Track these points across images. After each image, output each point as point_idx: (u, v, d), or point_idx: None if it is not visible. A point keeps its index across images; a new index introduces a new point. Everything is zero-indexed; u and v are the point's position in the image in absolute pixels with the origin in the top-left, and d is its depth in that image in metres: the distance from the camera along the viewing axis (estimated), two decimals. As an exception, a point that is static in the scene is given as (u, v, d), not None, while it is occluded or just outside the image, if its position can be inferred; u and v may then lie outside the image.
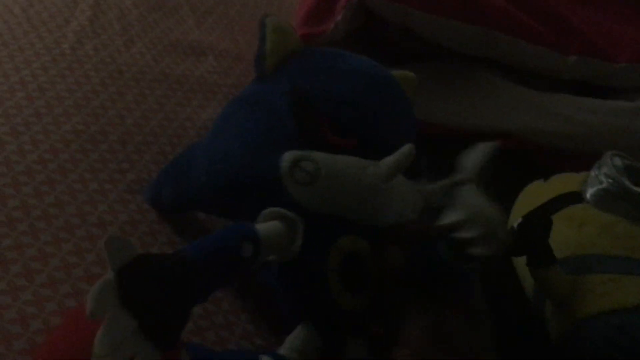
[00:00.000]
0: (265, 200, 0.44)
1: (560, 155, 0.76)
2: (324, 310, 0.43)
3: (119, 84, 0.62)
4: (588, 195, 0.55)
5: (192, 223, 0.53)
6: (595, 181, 0.56)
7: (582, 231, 0.53)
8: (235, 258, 0.39)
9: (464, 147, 0.74)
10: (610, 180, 0.54)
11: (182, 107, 0.63)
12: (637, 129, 0.75)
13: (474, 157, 0.52)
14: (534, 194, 0.63)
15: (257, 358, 0.40)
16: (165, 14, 0.76)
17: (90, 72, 0.61)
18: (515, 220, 0.57)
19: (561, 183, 0.60)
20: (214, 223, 0.52)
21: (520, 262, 0.56)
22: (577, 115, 0.76)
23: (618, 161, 0.55)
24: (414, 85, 0.55)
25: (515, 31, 0.78)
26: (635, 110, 0.78)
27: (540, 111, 0.76)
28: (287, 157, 0.43)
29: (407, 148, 0.44)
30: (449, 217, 0.50)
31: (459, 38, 0.76)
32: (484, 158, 0.52)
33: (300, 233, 0.43)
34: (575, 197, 0.56)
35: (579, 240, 0.53)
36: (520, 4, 0.78)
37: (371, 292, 0.46)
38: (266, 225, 0.42)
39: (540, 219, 0.53)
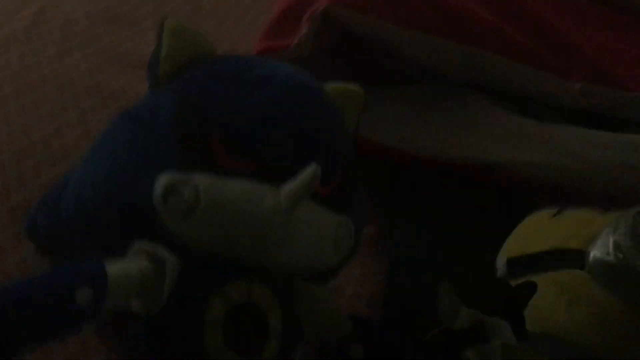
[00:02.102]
0: (141, 234, 0.36)
1: (559, 192, 0.66)
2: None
3: (38, 93, 0.55)
4: (590, 260, 0.43)
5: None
6: (603, 247, 0.43)
7: (572, 312, 0.42)
8: (65, 307, 0.30)
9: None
10: (620, 256, 0.42)
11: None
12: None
13: None
14: (535, 228, 0.51)
15: None
16: (121, 27, 0.70)
17: (5, 80, 0.55)
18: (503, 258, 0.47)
19: (571, 227, 0.48)
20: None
21: None
22: (579, 149, 0.65)
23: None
24: (360, 102, 0.46)
25: (509, 52, 0.68)
26: (647, 145, 0.67)
27: (535, 143, 0.65)
28: (161, 181, 0.34)
29: (309, 171, 0.35)
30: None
31: (443, 58, 0.67)
32: None
33: (171, 276, 0.34)
34: (575, 258, 0.44)
35: (565, 320, 0.42)
36: (515, 22, 0.68)
37: (272, 351, 0.37)
38: (121, 266, 0.33)
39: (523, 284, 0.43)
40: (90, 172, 0.37)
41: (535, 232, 0.49)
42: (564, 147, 0.68)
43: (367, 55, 0.73)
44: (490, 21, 0.69)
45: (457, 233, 0.59)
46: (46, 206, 0.41)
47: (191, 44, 0.40)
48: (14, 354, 0.29)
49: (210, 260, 0.35)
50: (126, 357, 0.37)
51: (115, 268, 0.33)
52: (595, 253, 0.43)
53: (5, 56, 0.58)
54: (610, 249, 0.42)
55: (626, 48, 0.73)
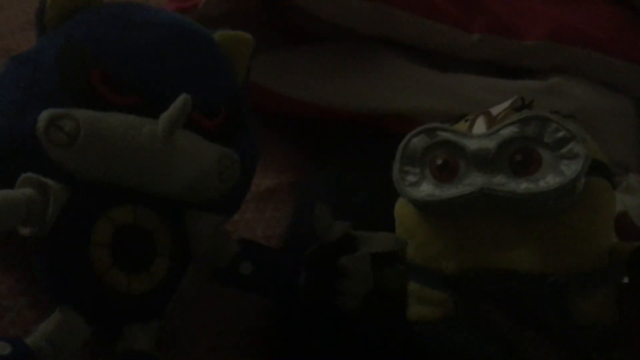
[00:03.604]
0: (29, 166, 0.38)
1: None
2: (87, 292, 0.37)
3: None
4: None
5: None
6: None
7: (399, 232, 0.46)
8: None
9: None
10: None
11: None
12: (543, 108, 0.69)
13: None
14: None
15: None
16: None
17: None
18: None
19: None
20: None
21: None
22: (476, 95, 0.69)
23: (417, 142, 0.45)
24: (248, 47, 0.49)
25: (413, 7, 0.72)
26: (543, 90, 0.71)
27: (437, 91, 0.69)
28: (43, 115, 0.37)
29: (180, 100, 0.38)
30: None
31: (353, 15, 0.70)
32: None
33: (55, 202, 0.37)
34: None
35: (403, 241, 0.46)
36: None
37: (159, 269, 0.40)
38: (6, 193, 0.36)
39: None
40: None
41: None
42: (463, 95, 0.72)
43: (281, 15, 0.76)
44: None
45: (360, 178, 0.63)
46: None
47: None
48: None
49: (96, 187, 0.39)
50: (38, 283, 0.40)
51: (1, 195, 0.35)
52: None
53: None
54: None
55: (526, 1, 0.78)
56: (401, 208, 0.47)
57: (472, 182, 0.42)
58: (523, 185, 0.41)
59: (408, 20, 0.72)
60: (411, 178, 0.44)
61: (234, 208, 0.49)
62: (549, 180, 0.40)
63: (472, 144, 0.43)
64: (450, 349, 0.44)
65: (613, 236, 0.44)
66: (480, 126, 0.47)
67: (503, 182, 0.41)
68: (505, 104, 0.47)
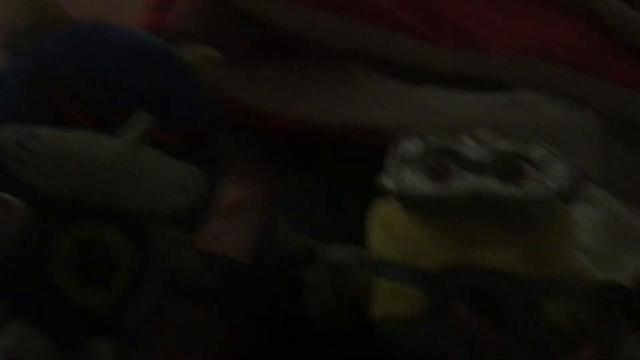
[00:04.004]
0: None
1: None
2: (48, 307, 0.38)
3: None
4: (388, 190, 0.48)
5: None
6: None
7: (376, 231, 0.47)
8: None
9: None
10: (389, 179, 0.47)
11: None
12: (510, 122, 0.70)
13: None
14: None
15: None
16: None
17: None
18: None
19: None
20: None
21: None
22: (446, 110, 0.71)
23: (412, 145, 0.48)
24: (215, 64, 0.50)
25: (384, 23, 0.73)
26: (512, 104, 0.73)
27: (408, 105, 0.71)
28: (5, 132, 0.38)
29: (141, 118, 0.40)
30: None
31: (322, 29, 0.71)
32: None
33: (16, 218, 0.38)
34: None
35: (374, 241, 0.47)
36: (387, -6, 0.74)
37: (120, 284, 0.41)
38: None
39: None
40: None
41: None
42: (432, 108, 0.73)
43: (258, 30, 0.77)
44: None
45: (330, 190, 0.64)
46: None
47: (44, 11, 0.44)
48: None
49: (57, 202, 0.40)
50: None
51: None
52: (387, 184, 0.48)
53: None
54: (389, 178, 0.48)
55: (491, 14, 0.79)
56: (382, 207, 0.48)
57: (467, 183, 0.45)
58: (515, 191, 0.45)
59: (376, 35, 0.73)
60: (408, 175, 0.47)
61: (198, 223, 0.50)
62: (537, 190, 0.45)
63: (467, 151, 0.47)
64: (416, 347, 0.45)
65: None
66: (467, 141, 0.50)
67: (496, 186, 0.45)
68: (481, 130, 0.51)
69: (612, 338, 0.44)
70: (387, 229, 0.46)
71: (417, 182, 0.46)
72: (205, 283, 0.45)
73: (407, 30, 0.75)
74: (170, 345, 0.47)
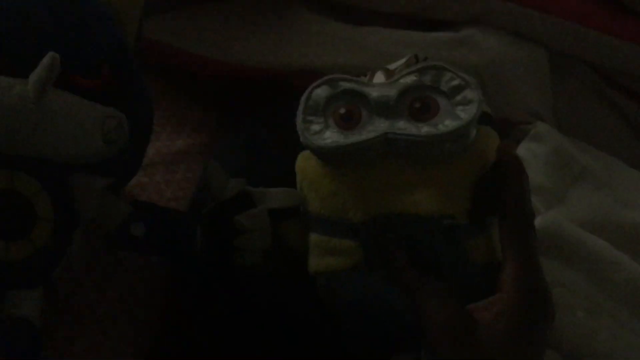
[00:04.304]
0: None
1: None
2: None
3: None
4: None
5: None
6: None
7: (302, 186, 0.46)
8: None
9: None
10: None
11: None
12: (455, 60, 0.69)
13: None
14: None
15: None
16: None
17: None
18: None
19: None
20: None
21: None
22: (389, 49, 0.69)
23: (320, 93, 0.45)
24: (137, 3, 0.48)
25: (324, -40, 0.71)
26: (456, 41, 0.72)
27: (350, 46, 0.69)
28: None
29: (47, 59, 0.37)
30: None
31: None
32: None
33: None
34: None
35: (302, 195, 0.46)
36: None
37: (41, 236, 0.39)
38: None
39: None
40: None
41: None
42: (377, 49, 0.71)
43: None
44: None
45: (270, 136, 0.62)
46: None
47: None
48: None
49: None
50: None
51: None
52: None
53: None
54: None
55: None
56: (303, 162, 0.47)
57: (376, 128, 0.43)
58: (424, 129, 0.43)
59: (318, -26, 0.72)
60: (315, 127, 0.45)
61: (129, 170, 0.48)
62: (447, 124, 0.43)
63: (374, 92, 0.45)
64: (354, 299, 0.45)
65: None
66: (379, 78, 0.47)
67: (405, 127, 0.43)
68: (401, 61, 0.49)
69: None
70: (311, 183, 0.45)
71: (325, 132, 0.44)
72: (134, 231, 0.43)
73: (349, -32, 0.74)
74: (105, 298, 0.46)
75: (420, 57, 0.49)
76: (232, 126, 0.67)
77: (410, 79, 0.45)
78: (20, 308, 0.38)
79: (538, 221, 0.56)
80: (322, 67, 0.68)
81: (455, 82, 0.44)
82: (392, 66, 0.49)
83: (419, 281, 0.41)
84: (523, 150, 0.68)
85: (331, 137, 0.44)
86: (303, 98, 0.46)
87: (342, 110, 0.45)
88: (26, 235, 0.38)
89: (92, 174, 0.42)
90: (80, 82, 0.41)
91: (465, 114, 0.42)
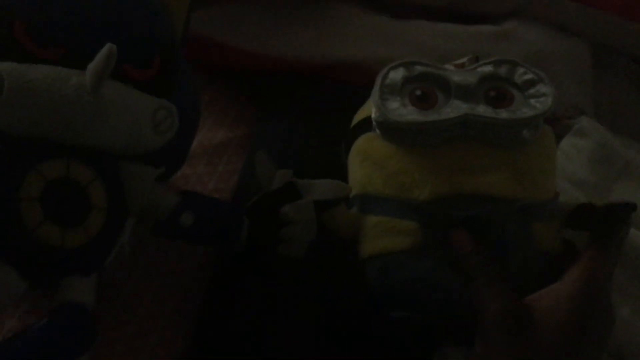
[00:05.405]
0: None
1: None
2: (19, 246, 0.37)
3: None
4: (374, 122, 0.46)
5: None
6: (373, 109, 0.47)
7: (363, 167, 0.46)
8: None
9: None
10: (374, 109, 0.45)
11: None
12: (497, 53, 0.68)
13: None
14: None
15: None
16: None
17: None
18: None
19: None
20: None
21: None
22: (430, 42, 0.69)
23: (396, 75, 0.46)
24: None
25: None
26: (498, 35, 0.71)
27: (391, 39, 0.69)
28: (-35, 69, 0.37)
29: (105, 50, 0.37)
30: None
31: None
32: None
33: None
34: (369, 123, 0.47)
35: (361, 177, 0.46)
36: None
37: (95, 223, 0.40)
38: None
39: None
40: None
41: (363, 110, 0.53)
42: (417, 42, 0.71)
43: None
44: None
45: (311, 127, 0.63)
46: None
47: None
48: None
49: (25, 141, 0.38)
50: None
51: None
52: (372, 115, 0.47)
53: None
54: (372, 106, 0.46)
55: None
56: (366, 142, 0.47)
57: (456, 108, 0.45)
58: (502, 114, 0.45)
59: (361, -32, 0.71)
60: (393, 104, 0.46)
61: (177, 161, 0.49)
62: (525, 111, 0.45)
63: (455, 76, 0.47)
64: (407, 282, 0.44)
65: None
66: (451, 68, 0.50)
67: (484, 111, 0.45)
68: (463, 59, 0.51)
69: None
70: (375, 163, 0.45)
71: (403, 110, 0.45)
72: (183, 221, 0.44)
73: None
74: (151, 284, 0.47)
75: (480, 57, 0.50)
76: (271, 119, 0.67)
77: (488, 69, 0.47)
78: (75, 295, 0.39)
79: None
80: (362, 60, 0.68)
81: (529, 77, 0.46)
82: (458, 62, 0.50)
83: (482, 267, 0.41)
84: (567, 145, 0.67)
85: (410, 113, 0.45)
86: (379, 77, 0.47)
87: (419, 92, 0.46)
88: (81, 224, 0.39)
89: (143, 164, 0.43)
90: (132, 74, 0.42)
91: (541, 105, 0.44)
